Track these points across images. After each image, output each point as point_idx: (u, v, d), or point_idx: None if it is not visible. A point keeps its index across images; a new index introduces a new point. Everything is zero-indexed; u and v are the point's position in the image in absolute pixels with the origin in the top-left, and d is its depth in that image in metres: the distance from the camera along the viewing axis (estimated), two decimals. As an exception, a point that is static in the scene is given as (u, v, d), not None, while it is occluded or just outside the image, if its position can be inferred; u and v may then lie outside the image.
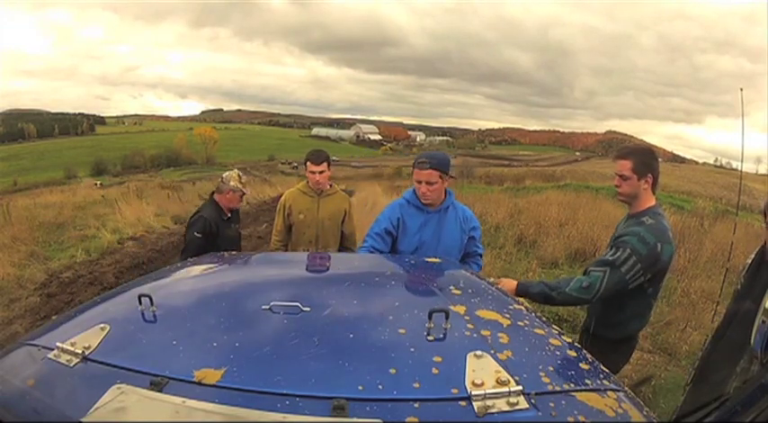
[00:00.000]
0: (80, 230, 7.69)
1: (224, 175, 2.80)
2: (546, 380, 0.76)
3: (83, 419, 0.64)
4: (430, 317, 0.89)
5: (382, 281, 1.26)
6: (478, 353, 0.79)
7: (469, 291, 1.19)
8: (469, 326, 0.92)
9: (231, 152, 75.67)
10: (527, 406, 0.68)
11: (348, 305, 1.04)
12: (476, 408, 0.67)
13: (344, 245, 2.80)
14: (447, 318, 0.89)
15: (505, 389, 0.70)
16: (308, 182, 2.69)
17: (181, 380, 0.72)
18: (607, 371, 0.87)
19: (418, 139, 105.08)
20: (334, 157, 2.86)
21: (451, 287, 1.18)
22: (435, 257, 1.63)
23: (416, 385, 0.71)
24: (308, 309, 0.94)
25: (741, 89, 3.35)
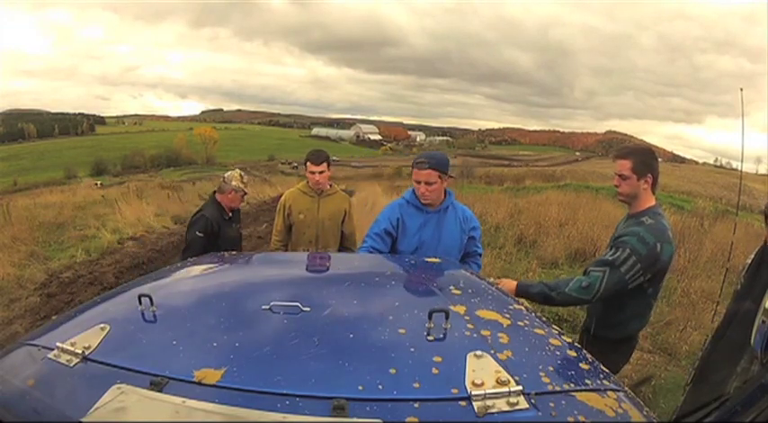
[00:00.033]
0: (80, 230, 7.69)
1: (226, 175, 2.81)
2: (546, 380, 0.76)
3: (83, 419, 0.64)
4: (430, 317, 0.89)
5: (382, 281, 1.26)
6: (478, 353, 0.79)
7: (469, 291, 1.19)
8: (469, 326, 0.92)
9: (231, 152, 75.66)
10: (527, 406, 0.68)
11: (348, 305, 1.04)
12: (476, 408, 0.67)
13: (344, 245, 2.80)
14: (447, 318, 0.89)
15: (505, 389, 0.70)
16: (308, 182, 2.69)
17: (181, 380, 0.72)
18: (607, 371, 0.87)
19: (418, 139, 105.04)
20: (334, 157, 2.86)
21: (451, 287, 1.18)
22: (435, 257, 1.63)
23: (416, 385, 0.71)
24: (308, 309, 0.95)
25: (741, 89, 3.35)
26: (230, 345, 0.84)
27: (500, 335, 0.90)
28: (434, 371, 0.76)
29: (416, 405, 0.67)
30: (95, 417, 0.64)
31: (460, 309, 1.00)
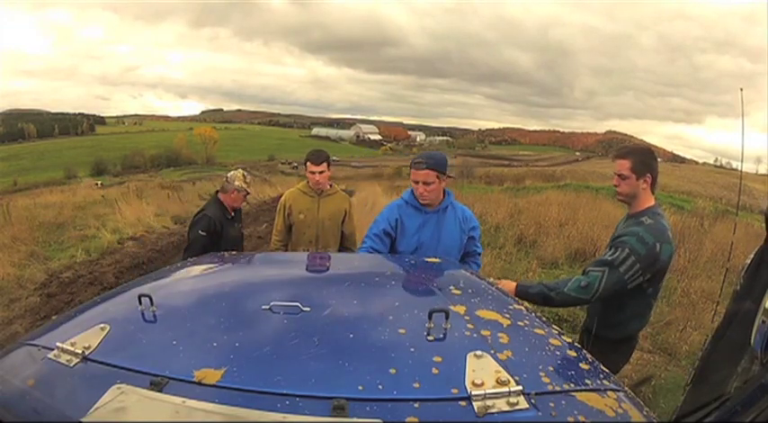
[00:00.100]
0: (80, 230, 7.69)
1: (229, 175, 2.81)
2: (546, 380, 0.76)
3: (83, 419, 0.64)
4: (430, 317, 0.89)
5: (382, 281, 1.26)
6: (478, 353, 0.79)
7: (469, 291, 1.19)
8: (469, 326, 0.92)
9: (231, 152, 75.67)
10: (527, 406, 0.68)
11: (348, 305, 1.04)
12: (476, 408, 0.67)
13: (344, 245, 2.80)
14: (447, 318, 0.89)
15: (505, 389, 0.70)
16: (308, 182, 2.69)
17: (181, 380, 0.72)
18: (607, 371, 0.87)
19: (418, 139, 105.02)
20: (334, 157, 2.86)
21: (451, 287, 1.18)
22: (435, 257, 1.63)
23: (416, 385, 0.71)
24: (307, 309, 0.95)
25: (741, 89, 3.34)
26: (230, 345, 0.84)
27: (500, 335, 0.90)
28: (434, 371, 0.76)
29: (416, 405, 0.67)
30: (95, 417, 0.64)
31: (460, 309, 1.00)
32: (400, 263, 1.60)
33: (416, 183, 1.98)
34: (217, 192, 2.87)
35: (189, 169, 59.78)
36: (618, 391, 0.78)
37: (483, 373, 0.73)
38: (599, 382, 0.80)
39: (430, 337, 0.87)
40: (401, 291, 1.25)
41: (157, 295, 0.97)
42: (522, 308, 1.12)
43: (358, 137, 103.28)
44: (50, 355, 0.81)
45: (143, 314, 0.94)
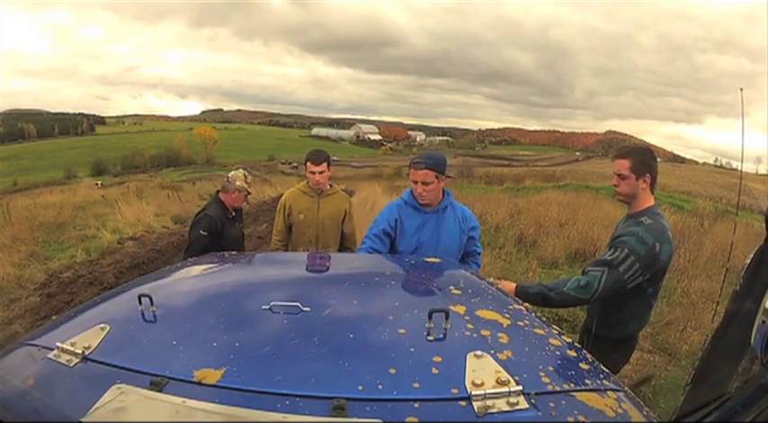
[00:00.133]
0: (80, 230, 7.69)
1: (230, 175, 2.82)
2: (546, 380, 0.76)
3: (83, 419, 0.64)
4: (430, 317, 0.89)
5: (382, 281, 1.26)
6: (478, 353, 0.79)
7: (469, 291, 1.19)
8: (469, 326, 0.92)
9: (231, 152, 75.67)
10: (527, 406, 0.68)
11: (348, 305, 1.04)
12: (476, 408, 0.67)
13: (344, 245, 2.80)
14: (447, 318, 0.89)
15: (505, 389, 0.70)
16: (308, 182, 2.69)
17: (181, 380, 0.72)
18: (607, 371, 0.87)
19: (418, 139, 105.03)
20: (334, 157, 2.86)
21: (451, 287, 1.18)
22: (435, 257, 1.63)
23: (416, 385, 0.72)
24: (307, 309, 0.95)
25: (741, 89, 3.34)
26: (230, 345, 0.84)
27: (500, 335, 0.90)
28: (434, 371, 0.76)
29: (416, 405, 0.67)
30: (95, 417, 0.64)
31: (460, 309, 1.00)
32: (400, 263, 1.60)
33: (415, 183, 1.98)
34: (218, 192, 2.88)
35: (189, 169, 59.82)
36: (618, 391, 0.78)
37: (483, 373, 0.73)
38: (599, 382, 0.80)
39: (430, 337, 0.87)
40: (401, 291, 1.25)
41: (157, 295, 0.97)
42: (522, 308, 1.12)
43: (358, 137, 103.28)
44: (50, 355, 0.81)
45: (143, 314, 0.94)
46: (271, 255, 2.23)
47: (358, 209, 6.05)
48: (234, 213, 2.84)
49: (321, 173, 2.61)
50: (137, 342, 0.86)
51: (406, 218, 2.03)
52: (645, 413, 0.75)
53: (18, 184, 45.21)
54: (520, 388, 0.70)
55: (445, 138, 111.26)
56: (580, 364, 0.85)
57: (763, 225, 1.45)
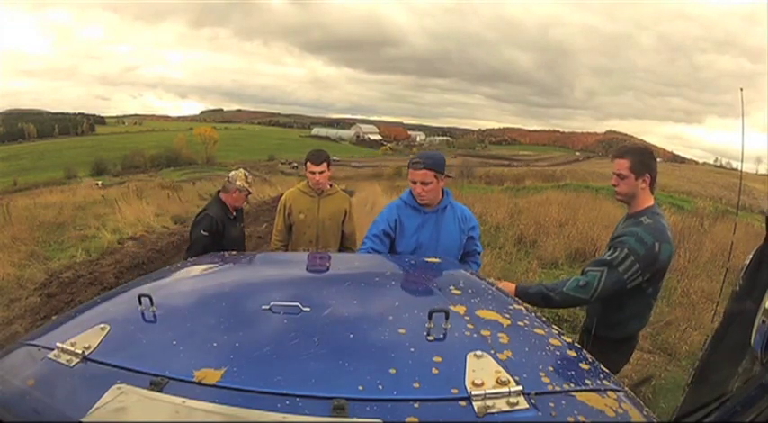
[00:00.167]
0: (80, 230, 7.69)
1: (230, 175, 2.82)
2: (546, 380, 0.76)
3: (83, 419, 0.64)
4: (430, 317, 0.89)
5: (382, 281, 1.26)
6: (478, 353, 0.79)
7: (469, 291, 1.19)
8: (469, 326, 0.92)
9: (231, 152, 75.66)
10: (527, 406, 0.68)
11: (348, 305, 1.04)
12: (476, 408, 0.67)
13: (345, 245, 2.80)
14: (447, 318, 0.89)
15: (505, 389, 0.70)
16: (308, 182, 2.69)
17: (181, 380, 0.72)
18: (607, 371, 0.87)
19: (418, 139, 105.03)
20: (334, 158, 2.86)
21: (451, 287, 1.18)
22: (435, 257, 1.63)
23: (416, 385, 0.71)
24: (307, 309, 0.95)
25: (741, 89, 3.33)
26: (230, 345, 0.84)
27: (500, 335, 0.90)
28: (434, 371, 0.76)
29: (416, 405, 0.67)
30: (95, 417, 0.64)
31: (460, 309, 1.00)
32: (400, 263, 1.60)
33: (414, 183, 1.98)
34: (218, 192, 2.88)
35: (189, 169, 59.81)
36: (618, 391, 0.78)
37: (483, 373, 0.73)
38: (599, 382, 0.80)
39: (430, 337, 0.87)
40: (401, 291, 1.25)
41: (157, 295, 0.97)
42: (522, 308, 1.12)
43: (358, 137, 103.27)
44: (50, 355, 0.81)
45: (143, 314, 0.94)
46: (271, 255, 2.23)
47: (358, 209, 6.04)
48: (235, 213, 2.85)
49: (321, 173, 2.61)
50: (137, 342, 0.86)
51: (406, 218, 2.03)
52: (645, 413, 0.75)
53: (18, 184, 45.23)
54: (520, 388, 0.70)
55: (445, 138, 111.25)
56: (580, 364, 0.85)
57: (764, 225, 1.45)
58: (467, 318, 0.96)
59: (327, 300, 1.05)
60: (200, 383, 0.71)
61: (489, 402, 0.68)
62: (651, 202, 1.78)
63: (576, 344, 0.95)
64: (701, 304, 4.17)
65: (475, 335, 0.89)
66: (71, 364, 0.78)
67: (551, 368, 0.80)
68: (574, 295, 1.71)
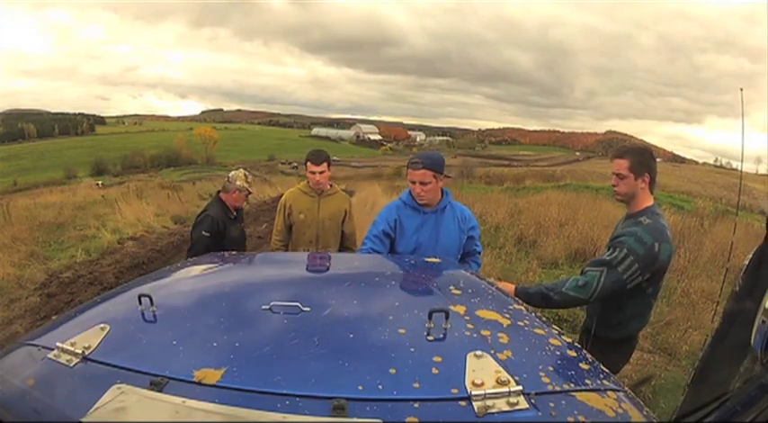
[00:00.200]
0: (80, 230, 7.70)
1: (230, 175, 2.83)
2: (546, 380, 0.76)
3: (83, 419, 0.64)
4: (430, 317, 0.89)
5: (382, 281, 1.26)
6: (478, 353, 0.79)
7: (469, 291, 1.19)
8: (469, 326, 0.92)
9: (231, 152, 75.64)
10: (527, 406, 0.68)
11: (348, 305, 1.04)
12: (476, 408, 0.67)
13: (345, 245, 2.81)
14: (447, 318, 0.89)
15: (505, 389, 0.70)
16: (308, 182, 2.69)
17: (181, 380, 0.72)
18: (607, 371, 0.87)
19: (418, 139, 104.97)
20: (334, 157, 2.86)
21: (451, 287, 1.18)
22: (435, 257, 1.63)
23: (416, 385, 0.72)
24: (307, 309, 0.95)
25: (741, 89, 3.33)
26: (230, 345, 0.84)
27: (500, 335, 0.90)
28: (434, 371, 0.76)
29: (416, 405, 0.67)
30: (95, 417, 0.64)
31: (460, 309, 1.00)
32: (400, 263, 1.60)
33: (413, 183, 1.98)
34: (218, 192, 2.88)
35: (189, 169, 59.79)
36: (618, 391, 0.78)
37: (483, 373, 0.73)
38: (599, 382, 0.80)
39: (430, 337, 0.87)
40: (401, 291, 1.25)
41: (157, 295, 0.97)
42: (522, 308, 1.12)
43: (358, 137, 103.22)
44: (50, 355, 0.81)
45: (143, 314, 0.94)
46: (271, 255, 2.23)
47: (358, 209, 6.04)
48: (235, 213, 2.85)
49: (321, 173, 2.61)
50: (137, 342, 0.86)
51: (405, 218, 2.03)
52: (645, 413, 0.75)
53: (18, 184, 45.20)
54: (520, 388, 0.70)
55: (445, 138, 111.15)
56: (580, 364, 0.85)
57: (764, 225, 1.45)
58: (467, 318, 0.96)
59: (327, 300, 1.05)
60: (200, 383, 0.71)
61: (489, 402, 0.68)
62: (651, 202, 1.78)
63: (575, 344, 0.95)
64: (701, 304, 4.17)
65: (475, 335, 0.89)
66: (71, 364, 0.78)
67: (551, 368, 0.80)
68: (573, 295, 1.71)
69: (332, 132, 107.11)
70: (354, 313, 1.01)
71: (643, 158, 1.77)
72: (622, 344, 1.87)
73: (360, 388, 0.70)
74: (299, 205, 2.68)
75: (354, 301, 1.07)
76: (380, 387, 0.71)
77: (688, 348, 3.35)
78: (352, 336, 0.89)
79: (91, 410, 0.65)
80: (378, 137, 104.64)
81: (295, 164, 60.28)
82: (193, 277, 1.31)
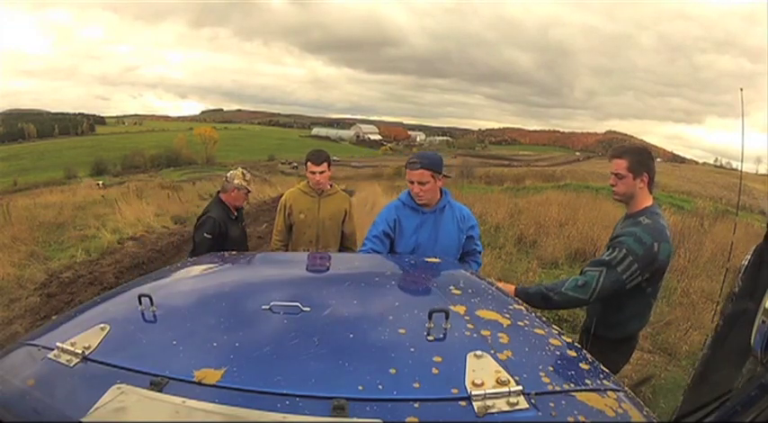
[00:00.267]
0: (80, 230, 7.70)
1: (228, 174, 2.83)
2: (546, 380, 0.76)
3: (83, 419, 0.64)
4: (430, 317, 0.89)
5: (382, 281, 1.26)
6: (478, 353, 0.79)
7: (469, 291, 1.19)
8: (469, 326, 0.92)
9: (231, 152, 75.62)
10: (527, 406, 0.68)
11: (348, 305, 1.04)
12: (476, 408, 0.67)
13: (345, 245, 2.81)
14: (447, 318, 0.89)
15: (505, 389, 0.70)
16: (308, 182, 2.69)
17: (181, 380, 0.72)
18: (607, 371, 0.87)
19: (418, 139, 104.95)
20: (334, 157, 2.86)
21: (451, 287, 1.18)
22: (434, 257, 1.63)
23: (416, 385, 0.72)
24: (307, 309, 0.95)
25: (741, 89, 3.33)
26: (230, 345, 0.84)
27: (500, 335, 0.90)
28: (434, 371, 0.76)
29: (416, 405, 0.67)
30: (95, 417, 0.64)
31: (460, 309, 1.00)
32: (400, 263, 1.60)
33: (412, 183, 1.98)
34: (218, 193, 2.88)
35: (189, 169, 59.79)
36: (618, 391, 0.78)
37: (483, 373, 0.73)
38: (599, 382, 0.80)
39: (430, 337, 0.87)
40: (401, 291, 1.25)
41: (157, 295, 0.97)
42: (522, 308, 1.12)
43: (358, 137, 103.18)
44: (50, 355, 0.81)
45: (143, 314, 0.94)
46: (271, 255, 2.23)
47: (358, 209, 6.04)
48: (236, 213, 2.85)
49: (321, 173, 2.61)
50: (137, 342, 0.86)
51: (405, 218, 2.03)
52: (645, 413, 0.75)
53: (18, 184, 45.18)
54: (520, 388, 0.70)
55: (445, 138, 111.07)
56: (580, 364, 0.85)
57: (764, 225, 1.45)
58: (467, 318, 0.96)
59: (327, 300, 1.05)
60: (200, 383, 0.71)
61: (489, 402, 0.68)
62: (650, 202, 1.77)
63: (575, 344, 0.95)
64: (701, 304, 4.17)
65: (475, 335, 0.89)
66: (71, 364, 0.78)
67: (551, 368, 0.80)
68: (573, 295, 1.71)
69: (332, 132, 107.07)
70: (354, 313, 1.01)
71: (641, 158, 1.77)
72: (622, 344, 1.87)
73: (360, 388, 0.70)
74: (300, 205, 2.68)
75: (354, 301, 1.07)
76: (380, 387, 0.71)
77: (688, 348, 3.35)
78: (352, 336, 0.89)
79: (91, 410, 0.65)
80: (378, 137, 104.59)
81: (295, 164, 60.27)
82: (193, 277, 1.31)
